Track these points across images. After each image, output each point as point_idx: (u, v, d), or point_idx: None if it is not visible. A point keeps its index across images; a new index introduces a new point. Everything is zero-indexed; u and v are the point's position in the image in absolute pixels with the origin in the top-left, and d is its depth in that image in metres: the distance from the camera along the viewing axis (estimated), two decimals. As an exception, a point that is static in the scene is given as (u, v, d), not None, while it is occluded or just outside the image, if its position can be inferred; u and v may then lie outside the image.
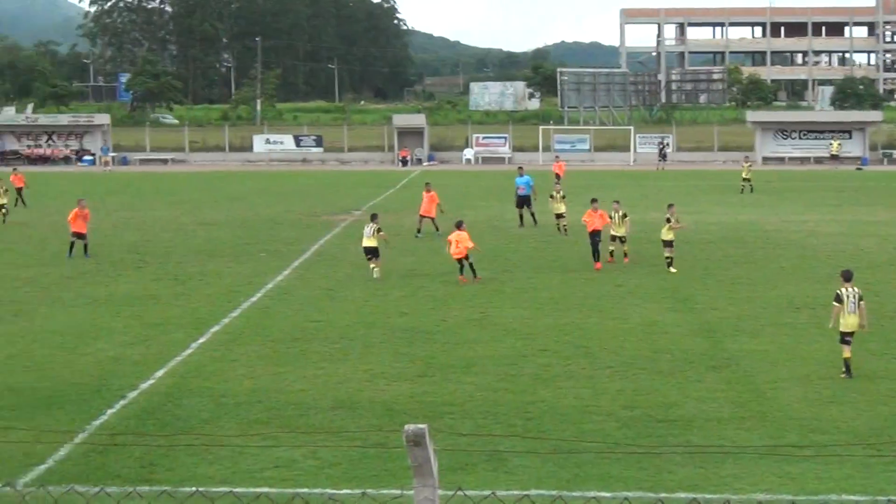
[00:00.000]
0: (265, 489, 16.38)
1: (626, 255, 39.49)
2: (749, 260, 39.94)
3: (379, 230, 37.18)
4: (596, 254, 38.43)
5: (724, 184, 74.32)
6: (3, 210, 53.48)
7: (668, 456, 18.18)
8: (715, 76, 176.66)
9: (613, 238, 39.36)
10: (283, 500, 15.61)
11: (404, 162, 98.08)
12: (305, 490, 16.41)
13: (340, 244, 45.02)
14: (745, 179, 68.58)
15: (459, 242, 35.82)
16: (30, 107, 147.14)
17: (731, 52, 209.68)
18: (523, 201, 50.36)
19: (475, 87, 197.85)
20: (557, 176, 67.22)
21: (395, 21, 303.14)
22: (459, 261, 36.01)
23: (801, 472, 17.59)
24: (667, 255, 37.83)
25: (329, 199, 64.02)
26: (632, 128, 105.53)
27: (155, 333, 28.16)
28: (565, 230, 46.37)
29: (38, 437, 18.87)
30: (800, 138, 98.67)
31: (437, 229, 46.21)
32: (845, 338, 23.78)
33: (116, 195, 68.64)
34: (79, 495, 13.60)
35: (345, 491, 16.43)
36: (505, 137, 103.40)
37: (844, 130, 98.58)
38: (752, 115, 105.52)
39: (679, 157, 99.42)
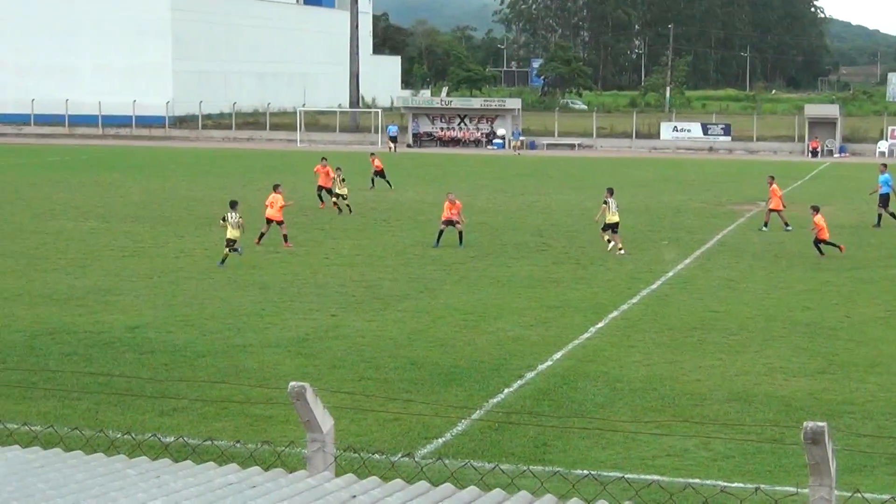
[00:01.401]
0: (656, 477, 16.34)
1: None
2: None
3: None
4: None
5: None
6: (342, 198, 50.45)
7: None
8: None
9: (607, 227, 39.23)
10: (675, 489, 15.52)
11: (814, 153, 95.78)
12: (697, 481, 16.24)
13: (744, 235, 44.44)
14: None
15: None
16: (444, 90, 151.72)
17: None
18: (884, 201, 48.02)
19: (893, 77, 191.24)
20: None
21: (812, 9, 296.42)
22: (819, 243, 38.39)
23: None
24: None
25: (734, 189, 63.23)
26: None
27: (554, 316, 28.52)
28: None
29: (437, 411, 19.43)
30: None
31: (787, 224, 44.99)
32: None
33: (523, 179, 69.87)
34: (474, 470, 13.92)
35: (738, 484, 16.16)
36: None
37: None
38: None
39: None
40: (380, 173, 61.93)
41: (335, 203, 50.35)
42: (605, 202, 39.22)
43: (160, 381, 21.50)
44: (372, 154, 66.66)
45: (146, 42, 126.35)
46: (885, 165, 51.62)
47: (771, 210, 45.83)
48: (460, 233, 40.37)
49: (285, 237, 39.49)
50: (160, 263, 36.01)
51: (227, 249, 35.46)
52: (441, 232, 40.28)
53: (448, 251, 38.99)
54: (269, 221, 39.75)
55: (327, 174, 51.90)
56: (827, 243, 38.39)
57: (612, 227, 39.01)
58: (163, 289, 31.69)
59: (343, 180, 50.89)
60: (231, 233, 35.46)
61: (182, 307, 29.06)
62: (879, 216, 47.51)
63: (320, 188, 52.19)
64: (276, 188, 40.45)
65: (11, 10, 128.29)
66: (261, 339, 25.53)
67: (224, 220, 35.91)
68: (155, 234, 42.67)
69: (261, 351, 24.34)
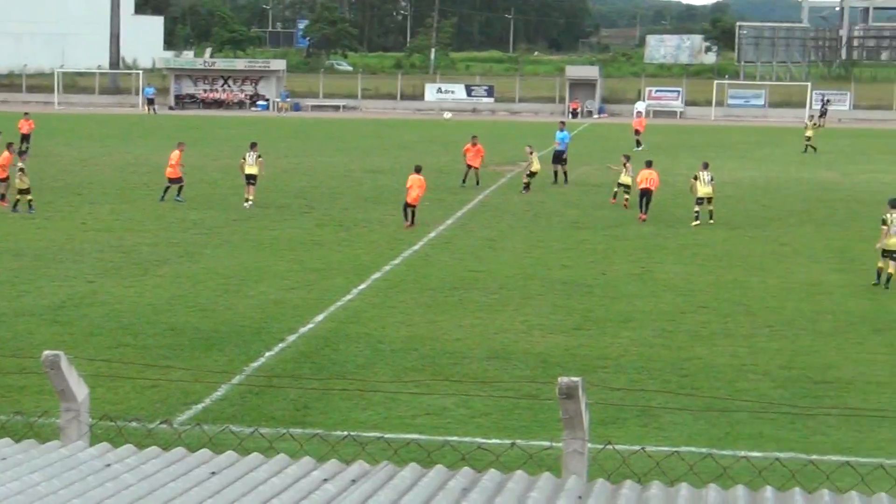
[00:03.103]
0: (416, 436, 16.44)
1: (711, 215, 38.34)
2: (922, 222, 38.88)
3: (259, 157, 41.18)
4: (641, 206, 39.08)
5: (901, 143, 72.57)
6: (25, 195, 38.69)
7: (823, 418, 17.90)
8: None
9: (700, 200, 38.41)
10: (433, 447, 15.65)
11: (574, 114, 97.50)
12: (455, 438, 16.45)
13: (505, 195, 45.07)
14: (807, 138, 65.61)
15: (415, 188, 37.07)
16: (208, 51, 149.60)
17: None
18: (558, 157, 49.00)
19: (651, 39, 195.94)
20: (637, 132, 66.01)
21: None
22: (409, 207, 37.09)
23: (961, 441, 17.17)
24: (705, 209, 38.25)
25: (497, 150, 63.83)
26: (809, 84, 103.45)
27: (316, 278, 28.52)
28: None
29: (197, 376, 19.27)
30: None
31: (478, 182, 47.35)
32: (885, 253, 28.44)
33: (287, 140, 69.47)
34: (233, 435, 13.83)
35: (494, 440, 16.44)
36: (678, 91, 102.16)
37: None
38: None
39: (856, 115, 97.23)
40: (25, 137, 57.78)
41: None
42: (696, 176, 38.73)
43: None
44: (26, 114, 62.12)
45: None
46: (563, 122, 52.93)
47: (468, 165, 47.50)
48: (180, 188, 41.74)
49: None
50: None
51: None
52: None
53: (209, 214, 38.61)
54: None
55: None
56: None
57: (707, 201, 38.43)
58: (-89, 257, 30.64)
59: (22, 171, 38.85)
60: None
61: (-69, 276, 28.15)
62: (556, 173, 48.46)
63: None
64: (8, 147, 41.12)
65: None
66: (14, 307, 24.87)
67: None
68: None
69: (13, 320, 23.72)
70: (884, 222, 28.82)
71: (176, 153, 42.05)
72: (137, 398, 18.44)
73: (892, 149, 68.84)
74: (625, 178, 41.99)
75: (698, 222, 37.90)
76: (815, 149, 64.61)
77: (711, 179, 38.37)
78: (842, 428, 17.58)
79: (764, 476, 10.09)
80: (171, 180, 41.97)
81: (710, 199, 38.25)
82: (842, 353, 22.13)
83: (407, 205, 36.96)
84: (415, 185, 36.95)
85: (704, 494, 6.86)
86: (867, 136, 79.69)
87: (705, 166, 39.10)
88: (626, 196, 41.47)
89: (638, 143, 64.87)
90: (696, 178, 38.55)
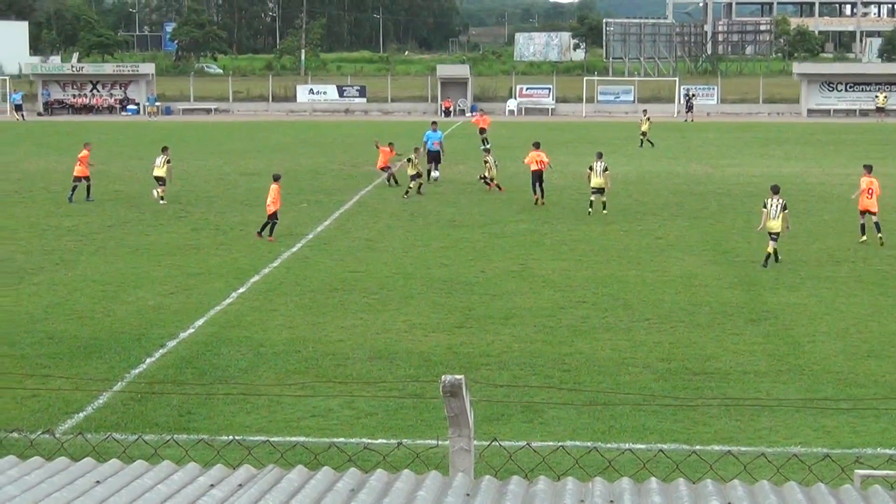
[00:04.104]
0: (301, 438, 16.44)
1: (604, 206, 39.52)
2: (791, 213, 39.49)
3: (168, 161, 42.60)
4: (534, 189, 41.41)
5: (767, 136, 73.85)
6: None
7: (704, 408, 18.18)
8: (762, 27, 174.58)
9: (595, 191, 39.42)
10: (319, 449, 15.65)
11: (447, 112, 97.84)
12: (341, 440, 16.45)
13: (381, 195, 45.08)
14: (642, 133, 67.11)
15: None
16: (75, 56, 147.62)
17: (778, 3, 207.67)
18: (433, 157, 49.31)
19: (520, 37, 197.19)
20: (482, 130, 65.99)
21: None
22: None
23: (837, 426, 17.55)
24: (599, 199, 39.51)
25: (371, 150, 63.80)
26: (676, 79, 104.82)
27: (195, 283, 28.30)
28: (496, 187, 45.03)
29: (77, 385, 19.06)
30: (846, 90, 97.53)
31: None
32: (771, 236, 30.48)
33: (159, 145, 68.63)
34: (117, 443, 13.67)
35: (380, 441, 16.48)
36: (549, 88, 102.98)
37: (891, 83, 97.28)
38: (798, 67, 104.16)
39: (723, 109, 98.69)
40: None
41: None
42: (591, 167, 39.65)
43: None
44: None
45: None
46: (435, 123, 53.01)
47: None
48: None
49: None
50: None
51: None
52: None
53: (84, 220, 38.12)
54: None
55: None
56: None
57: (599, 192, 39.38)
58: None
59: None
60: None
61: None
62: (429, 172, 48.22)
63: None
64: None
65: None
66: None
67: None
68: None
69: None
70: (764, 206, 31.11)
71: (85, 153, 43.15)
72: (17, 409, 18.16)
73: (759, 141, 70.09)
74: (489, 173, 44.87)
75: (591, 210, 39.23)
76: (651, 143, 65.61)
77: (605, 170, 39.35)
78: (723, 418, 17.88)
79: (648, 468, 10.29)
80: (80, 179, 42.83)
81: (602, 190, 39.23)
82: (719, 344, 22.51)
83: (269, 216, 35.07)
84: (272, 195, 35.15)
85: (591, 488, 6.94)
86: (735, 129, 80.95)
87: (599, 156, 40.14)
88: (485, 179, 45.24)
89: (485, 141, 64.12)
90: (590, 168, 39.59)
